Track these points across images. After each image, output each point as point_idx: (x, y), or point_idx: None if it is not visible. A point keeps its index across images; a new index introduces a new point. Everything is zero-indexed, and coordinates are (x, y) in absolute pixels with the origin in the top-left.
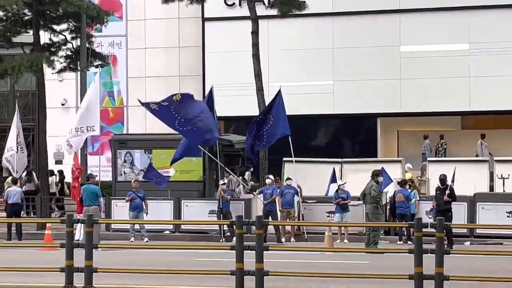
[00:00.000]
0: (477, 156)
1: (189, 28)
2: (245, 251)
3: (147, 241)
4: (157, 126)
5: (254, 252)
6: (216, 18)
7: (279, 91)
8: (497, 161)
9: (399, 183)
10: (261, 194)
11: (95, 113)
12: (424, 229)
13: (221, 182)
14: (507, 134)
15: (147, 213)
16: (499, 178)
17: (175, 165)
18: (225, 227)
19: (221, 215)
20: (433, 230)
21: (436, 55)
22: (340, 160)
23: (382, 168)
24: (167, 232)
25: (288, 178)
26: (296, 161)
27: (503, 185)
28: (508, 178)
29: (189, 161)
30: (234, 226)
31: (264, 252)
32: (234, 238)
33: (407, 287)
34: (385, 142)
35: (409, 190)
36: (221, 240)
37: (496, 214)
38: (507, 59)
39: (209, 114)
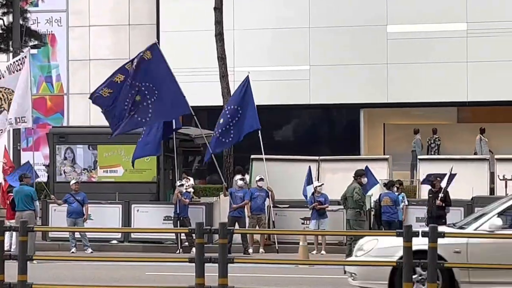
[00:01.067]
0: (475, 153)
1: (141, 3)
2: (206, 264)
3: (91, 252)
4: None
5: (217, 265)
6: None
7: (247, 78)
8: (498, 159)
9: (385, 185)
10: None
11: (26, 101)
12: (415, 239)
13: (178, 183)
14: (510, 128)
15: (86, 220)
16: (500, 179)
17: (125, 164)
18: (183, 236)
19: (178, 221)
20: (425, 239)
21: (428, 37)
22: (317, 158)
23: (367, 167)
24: (114, 241)
25: (261, 179)
26: (266, 159)
27: (506, 187)
28: (511, 179)
29: (141, 159)
30: (193, 235)
31: (229, 265)
32: (193, 249)
33: None
34: (369, 137)
35: (397, 193)
36: (178, 251)
37: None
38: (508, 41)
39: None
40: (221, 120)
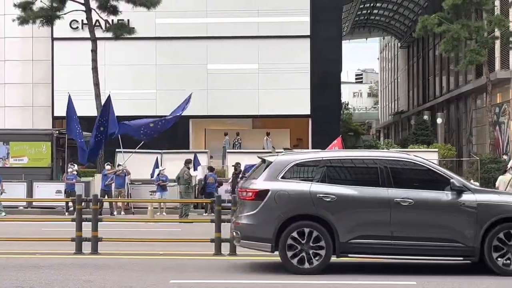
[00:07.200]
0: (263, 148)
1: (41, 45)
2: (84, 222)
3: (4, 215)
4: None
5: (91, 223)
6: (63, 38)
7: (109, 97)
8: (277, 152)
9: (209, 168)
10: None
11: None
12: (223, 204)
13: (69, 169)
14: (285, 132)
15: (1, 192)
16: None
17: (29, 154)
18: (70, 204)
19: (66, 194)
20: (229, 204)
21: (234, 72)
22: (161, 151)
23: (195, 154)
24: (21, 208)
25: (119, 165)
26: (125, 152)
27: None
28: None
29: (40, 151)
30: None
31: (99, 223)
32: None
33: (208, 248)
34: (195, 138)
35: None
36: (66, 214)
37: None
38: (284, 76)
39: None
40: (101, 128)
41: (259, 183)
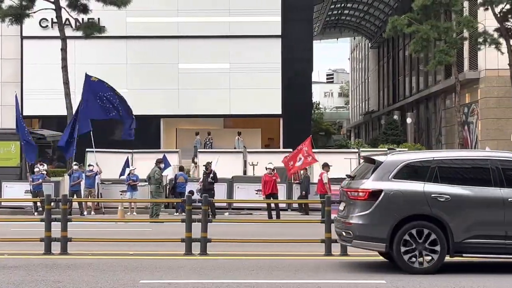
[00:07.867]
0: (235, 148)
1: (10, 43)
2: (53, 223)
3: None
4: None
5: (60, 223)
6: (33, 37)
7: (82, 98)
8: (249, 152)
9: (180, 168)
10: (70, 177)
11: None
12: (193, 204)
13: (36, 168)
14: (256, 132)
15: None
16: (250, 165)
17: None
18: (38, 204)
19: (33, 194)
20: (200, 204)
21: (205, 72)
22: (131, 150)
23: (164, 154)
24: None
25: (90, 165)
26: (97, 151)
27: (253, 170)
28: (257, 165)
29: (9, 150)
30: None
31: (69, 223)
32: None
33: (179, 248)
34: (167, 137)
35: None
36: (35, 214)
37: (248, 191)
38: (255, 76)
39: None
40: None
41: (371, 183)
